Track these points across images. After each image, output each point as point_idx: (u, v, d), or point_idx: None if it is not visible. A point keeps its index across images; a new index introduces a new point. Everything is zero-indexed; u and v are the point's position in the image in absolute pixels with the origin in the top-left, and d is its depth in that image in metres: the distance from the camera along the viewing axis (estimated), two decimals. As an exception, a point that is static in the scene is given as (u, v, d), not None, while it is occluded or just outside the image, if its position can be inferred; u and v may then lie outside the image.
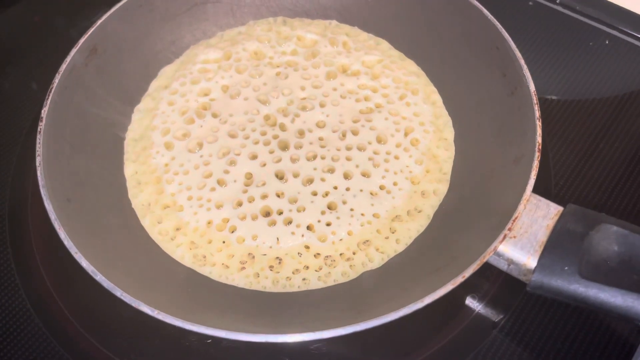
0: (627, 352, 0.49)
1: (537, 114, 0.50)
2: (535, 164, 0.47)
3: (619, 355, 0.49)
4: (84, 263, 0.44)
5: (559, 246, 0.44)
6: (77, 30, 0.72)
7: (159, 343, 0.51)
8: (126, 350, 0.50)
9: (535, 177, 0.46)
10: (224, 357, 0.50)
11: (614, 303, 0.42)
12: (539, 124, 0.49)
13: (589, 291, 0.42)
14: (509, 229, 0.44)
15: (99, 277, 0.43)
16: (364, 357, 0.51)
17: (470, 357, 0.50)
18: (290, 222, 0.52)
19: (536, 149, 0.48)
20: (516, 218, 0.45)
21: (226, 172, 0.55)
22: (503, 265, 0.46)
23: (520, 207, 0.45)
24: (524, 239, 0.45)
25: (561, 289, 0.43)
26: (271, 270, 0.50)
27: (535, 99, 0.50)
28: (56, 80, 0.53)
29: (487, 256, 0.43)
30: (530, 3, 0.75)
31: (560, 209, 0.47)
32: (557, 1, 0.73)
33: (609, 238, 0.43)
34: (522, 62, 0.53)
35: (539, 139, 0.48)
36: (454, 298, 0.52)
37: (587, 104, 0.65)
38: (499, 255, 0.46)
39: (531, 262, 0.45)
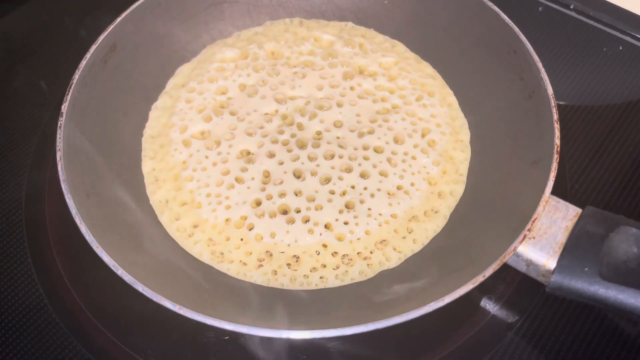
0: (643, 355, 0.50)
1: (555, 116, 0.50)
2: (554, 166, 0.47)
3: (635, 358, 0.50)
4: (106, 258, 0.44)
5: (578, 247, 0.44)
6: (86, 30, 0.73)
7: (176, 339, 0.51)
8: (143, 345, 0.50)
9: (554, 179, 0.47)
10: (240, 354, 0.50)
11: (634, 304, 0.42)
12: (557, 126, 0.50)
13: (609, 292, 0.42)
14: (529, 230, 0.45)
15: (120, 272, 0.43)
16: (379, 356, 0.51)
17: (485, 359, 0.50)
18: (308, 221, 0.52)
19: (554, 152, 0.48)
20: (535, 219, 0.45)
21: (244, 170, 0.55)
22: (522, 266, 0.46)
23: (540, 208, 0.45)
24: (543, 240, 0.46)
25: (581, 290, 0.43)
26: (289, 267, 0.50)
27: (553, 102, 0.51)
28: (76, 76, 0.54)
29: (507, 256, 0.44)
30: (540, 8, 0.75)
31: (579, 210, 0.47)
32: (571, 7, 0.74)
33: (629, 240, 0.44)
34: (540, 65, 0.53)
35: (558, 142, 0.49)
36: (470, 300, 0.53)
37: (601, 109, 0.66)
38: (518, 255, 0.46)
39: (550, 263, 0.45)
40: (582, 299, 0.43)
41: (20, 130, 0.65)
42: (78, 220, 0.45)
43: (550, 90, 0.51)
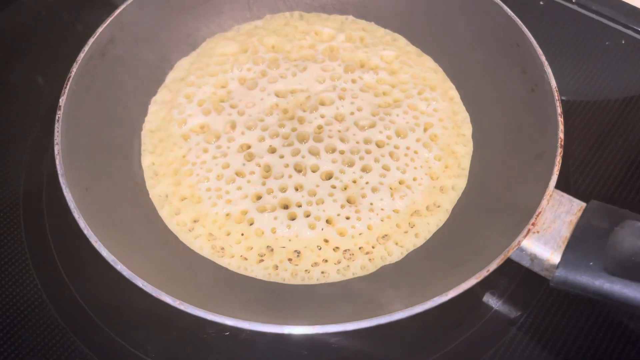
0: (647, 350, 0.49)
1: (559, 110, 0.50)
2: (558, 159, 0.47)
3: (639, 353, 0.49)
4: (104, 252, 0.43)
5: (583, 242, 0.44)
6: (83, 24, 0.73)
7: (176, 335, 0.50)
8: (142, 341, 0.50)
9: (558, 173, 0.46)
10: (242, 350, 0.50)
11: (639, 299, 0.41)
12: (560, 120, 0.49)
13: (614, 287, 0.42)
14: (533, 224, 0.44)
15: (120, 267, 0.43)
16: (381, 352, 0.51)
17: (488, 354, 0.50)
18: (309, 216, 0.52)
19: (558, 145, 0.48)
20: (539, 213, 0.44)
21: (244, 164, 0.54)
22: (526, 261, 0.46)
23: (544, 202, 0.45)
24: (547, 235, 0.45)
25: (586, 285, 0.43)
26: (290, 262, 0.50)
27: (557, 96, 0.50)
28: (74, 69, 0.53)
29: (511, 251, 0.43)
30: (541, 2, 0.75)
31: (583, 204, 0.46)
32: (573, 0, 0.73)
33: (634, 234, 0.43)
34: (544, 58, 0.53)
35: (561, 135, 0.48)
36: (472, 294, 0.52)
37: (604, 103, 0.65)
38: (521, 250, 0.45)
39: (555, 257, 0.44)
40: (586, 294, 0.43)
41: (17, 125, 0.65)
42: (76, 214, 0.45)
43: (553, 84, 0.51)
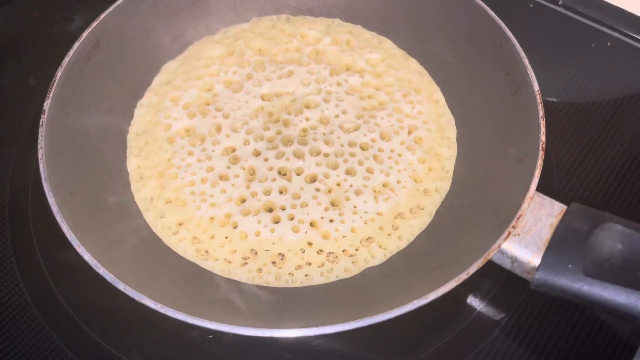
0: (629, 352, 0.49)
1: (541, 113, 0.50)
2: (539, 162, 0.47)
3: (621, 355, 0.50)
4: (87, 256, 0.43)
5: (563, 244, 0.44)
6: (75, 26, 0.73)
7: (160, 338, 0.50)
8: (127, 345, 0.50)
9: (539, 176, 0.46)
10: (225, 353, 0.50)
11: (618, 301, 0.42)
12: (542, 122, 0.49)
13: (593, 289, 0.42)
14: (513, 227, 0.44)
15: (102, 271, 0.43)
16: (365, 354, 0.51)
17: (471, 356, 0.50)
18: (293, 219, 0.52)
19: (540, 148, 0.48)
20: (520, 216, 0.45)
21: (229, 167, 0.55)
22: (507, 263, 0.46)
23: (525, 205, 0.45)
24: (527, 237, 0.45)
25: (565, 287, 0.43)
26: (274, 265, 0.50)
27: (539, 98, 0.51)
28: (59, 73, 0.53)
29: (492, 253, 0.43)
30: (531, 5, 0.75)
31: (564, 207, 0.47)
32: (559, 2, 0.73)
33: (613, 237, 0.44)
34: (526, 61, 0.53)
35: (543, 138, 0.49)
36: (455, 296, 0.52)
37: (589, 105, 0.66)
38: (502, 252, 0.45)
39: (535, 260, 0.45)
40: (566, 296, 0.43)
41: (9, 127, 0.65)
42: (59, 219, 0.45)
43: (536, 86, 0.51)
